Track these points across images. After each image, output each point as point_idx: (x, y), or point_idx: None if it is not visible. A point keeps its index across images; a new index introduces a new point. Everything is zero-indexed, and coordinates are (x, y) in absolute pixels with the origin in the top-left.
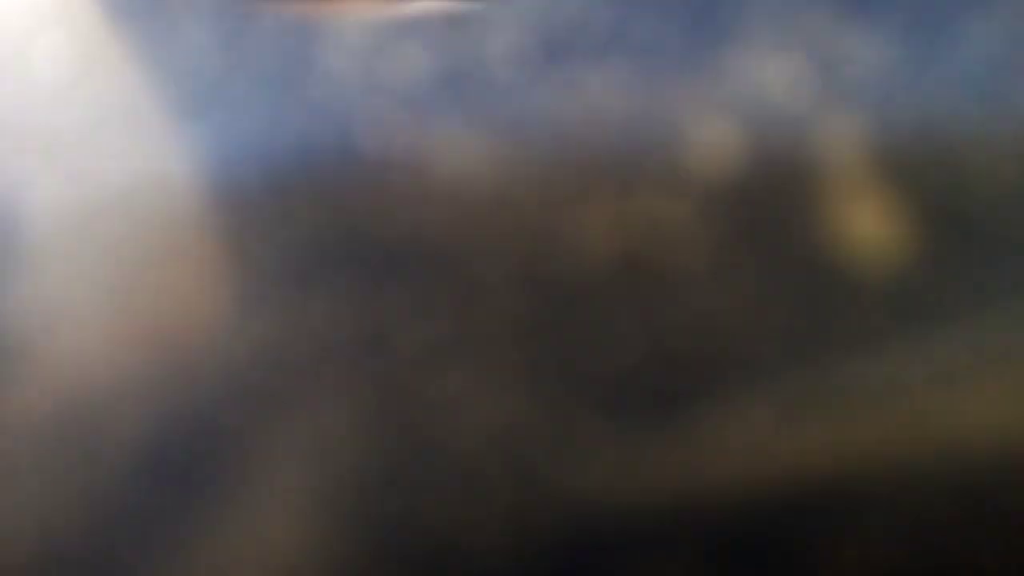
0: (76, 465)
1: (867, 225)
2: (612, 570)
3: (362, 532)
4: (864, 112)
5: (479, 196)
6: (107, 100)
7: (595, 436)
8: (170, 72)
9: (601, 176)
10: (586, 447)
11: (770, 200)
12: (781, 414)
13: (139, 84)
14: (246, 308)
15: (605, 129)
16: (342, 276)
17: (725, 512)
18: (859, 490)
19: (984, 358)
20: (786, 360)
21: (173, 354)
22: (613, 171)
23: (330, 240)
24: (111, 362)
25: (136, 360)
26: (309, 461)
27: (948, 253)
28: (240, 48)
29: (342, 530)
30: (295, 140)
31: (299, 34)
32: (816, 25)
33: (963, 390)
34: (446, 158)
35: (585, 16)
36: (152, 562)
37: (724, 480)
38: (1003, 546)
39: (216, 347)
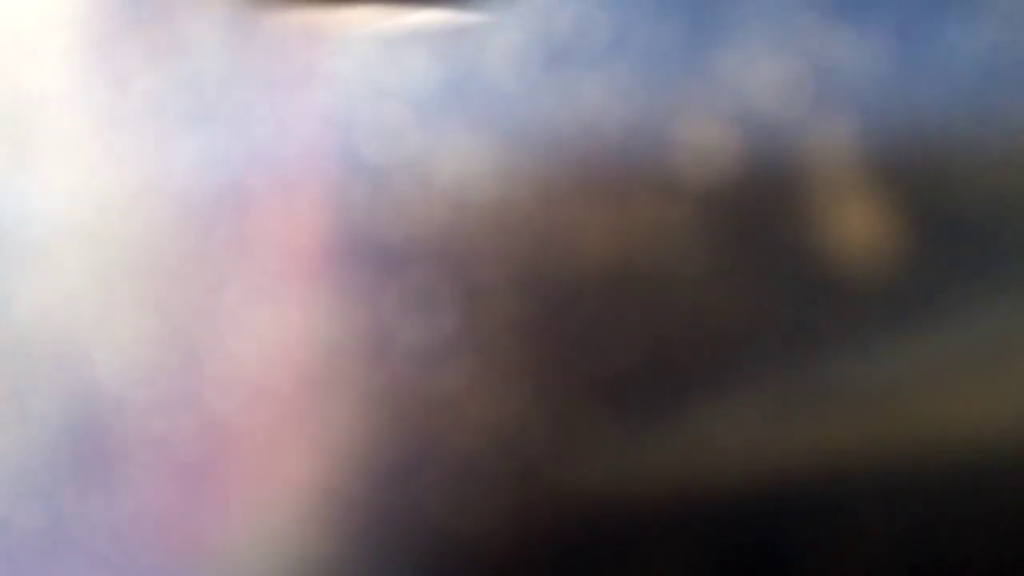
0: (82, 464)
1: (860, 229)
2: (612, 568)
3: (364, 529)
4: (858, 117)
5: (482, 201)
6: (112, 104)
7: (596, 434)
8: (175, 77)
9: (601, 181)
10: (587, 445)
11: (765, 204)
12: (778, 414)
13: (144, 89)
14: (250, 311)
15: (606, 135)
16: (346, 281)
17: (725, 511)
18: (858, 489)
19: (976, 359)
20: (782, 361)
21: (178, 355)
22: (613, 176)
23: (334, 245)
24: (116, 363)
25: (141, 360)
26: (310, 459)
27: (939, 257)
28: (244, 55)
29: (343, 528)
30: (299, 147)
31: (304, 42)
32: (810, 30)
33: (956, 391)
34: (450, 165)
35: (587, 24)
36: (160, 558)
37: (723, 479)
38: (1001, 547)
39: (221, 347)
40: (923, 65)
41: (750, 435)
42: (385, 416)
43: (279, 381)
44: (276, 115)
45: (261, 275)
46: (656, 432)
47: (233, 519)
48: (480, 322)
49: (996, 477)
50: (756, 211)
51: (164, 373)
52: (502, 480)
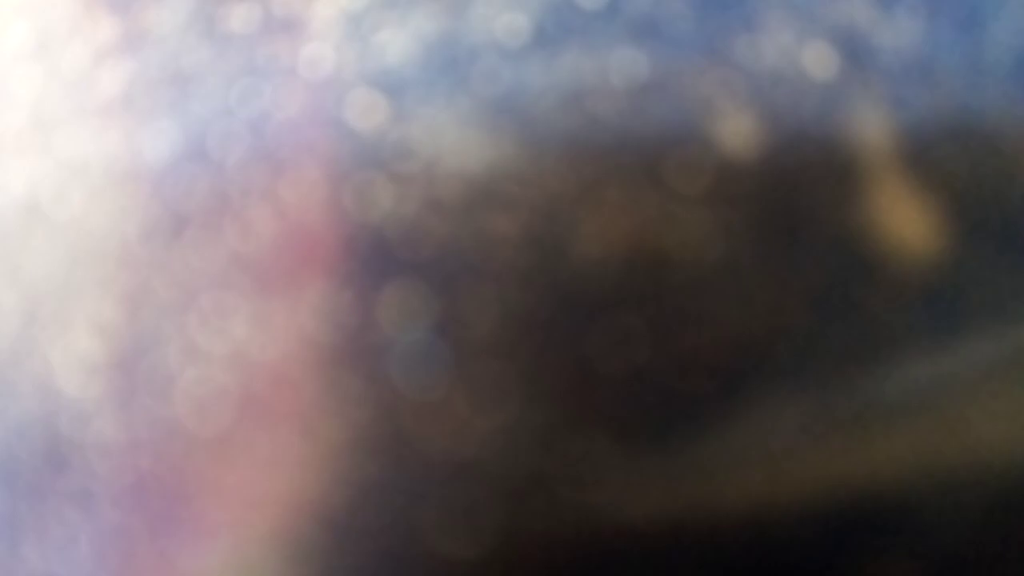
0: (49, 471)
1: (897, 220)
2: None
3: (347, 550)
4: (895, 101)
5: (476, 191)
6: (86, 85)
7: (602, 443)
8: (150, 55)
9: (609, 166)
10: (592, 455)
11: (793, 193)
12: (805, 422)
13: (119, 69)
14: (225, 310)
15: (614, 116)
16: (331, 270)
17: (742, 529)
18: (889, 506)
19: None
20: (810, 363)
21: (146, 358)
22: (623, 161)
23: (318, 238)
24: (76, 367)
25: (104, 364)
26: (288, 473)
27: (985, 248)
28: (222, 29)
29: (325, 549)
30: (280, 125)
31: (284, 14)
32: (843, 9)
33: (1003, 396)
34: (440, 150)
35: None
36: (137, 573)
37: (741, 494)
38: None
39: (193, 350)
40: (964, 46)
41: (775, 447)
42: (374, 423)
43: (256, 387)
44: (256, 97)
45: (237, 270)
46: (667, 447)
47: (203, 540)
48: (474, 322)
49: None
50: (778, 204)
51: (130, 378)
52: (497, 496)
